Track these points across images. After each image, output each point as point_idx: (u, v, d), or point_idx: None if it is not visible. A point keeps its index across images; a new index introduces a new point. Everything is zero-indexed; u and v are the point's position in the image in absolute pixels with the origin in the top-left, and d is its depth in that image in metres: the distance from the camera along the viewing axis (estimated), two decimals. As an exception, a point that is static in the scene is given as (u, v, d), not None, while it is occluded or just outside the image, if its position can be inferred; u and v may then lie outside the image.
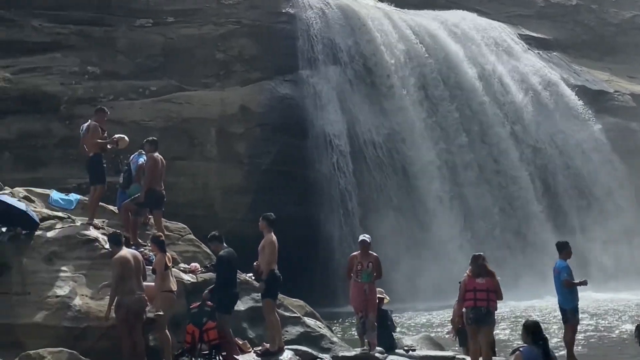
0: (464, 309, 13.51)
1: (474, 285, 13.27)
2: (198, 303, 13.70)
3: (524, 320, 10.58)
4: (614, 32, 40.84)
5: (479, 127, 33.04)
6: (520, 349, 9.91)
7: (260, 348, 13.89)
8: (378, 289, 14.92)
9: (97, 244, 14.71)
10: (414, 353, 15.00)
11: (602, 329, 20.70)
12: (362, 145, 30.62)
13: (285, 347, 13.82)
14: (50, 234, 14.79)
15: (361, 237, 14.80)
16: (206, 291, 13.84)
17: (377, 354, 14.19)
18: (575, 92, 35.69)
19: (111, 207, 16.57)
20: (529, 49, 37.30)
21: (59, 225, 15.19)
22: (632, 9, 41.80)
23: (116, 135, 15.98)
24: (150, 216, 15.90)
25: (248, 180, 28.68)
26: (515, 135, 33.48)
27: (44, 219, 15.27)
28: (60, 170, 26.76)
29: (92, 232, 14.99)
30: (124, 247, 13.30)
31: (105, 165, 15.95)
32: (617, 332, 20.28)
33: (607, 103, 36.76)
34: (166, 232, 15.36)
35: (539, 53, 37.45)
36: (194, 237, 16.44)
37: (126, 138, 16.17)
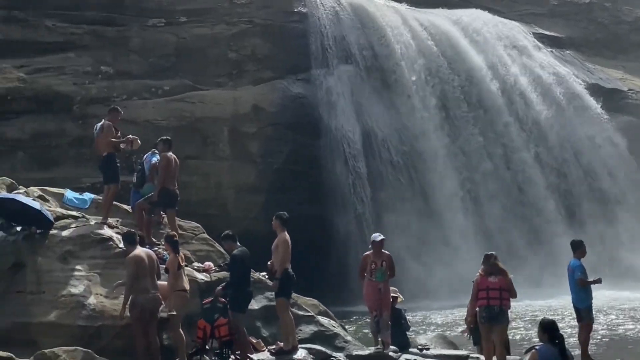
0: (477, 308, 13.47)
1: (486, 285, 13.24)
2: (210, 299, 13.76)
3: (539, 319, 10.53)
4: (627, 30, 40.65)
5: (502, 150, 32.37)
6: (536, 347, 9.88)
7: (274, 347, 13.89)
8: (392, 288, 14.92)
9: (111, 243, 14.74)
10: (428, 352, 14.98)
11: (618, 328, 20.59)
12: (374, 144, 30.57)
13: (299, 346, 13.82)
14: (64, 233, 14.83)
15: (374, 236, 14.79)
16: (219, 287, 13.89)
17: (391, 353, 14.18)
18: (588, 91, 35.50)
19: (125, 207, 16.61)
20: (550, 51, 36.94)
21: (73, 225, 15.22)
22: (646, 6, 41.64)
23: (130, 136, 16.01)
24: (164, 215, 15.92)
25: (261, 180, 28.71)
26: (539, 159, 32.65)
27: (59, 218, 15.33)
28: (74, 170, 26.87)
29: (107, 231, 15.02)
30: (139, 246, 13.32)
31: (119, 164, 15.99)
32: (633, 331, 20.17)
33: (621, 101, 36.57)
34: (180, 231, 15.40)
35: (552, 51, 37.29)
36: (208, 236, 16.46)
37: (138, 140, 16.20)
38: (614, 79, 37.64)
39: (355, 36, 32.55)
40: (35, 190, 16.69)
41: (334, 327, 15.20)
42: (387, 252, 14.75)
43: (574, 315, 15.05)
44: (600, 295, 20.29)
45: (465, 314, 14.92)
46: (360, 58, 32.13)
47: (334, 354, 13.99)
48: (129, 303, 12.82)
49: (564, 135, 33.85)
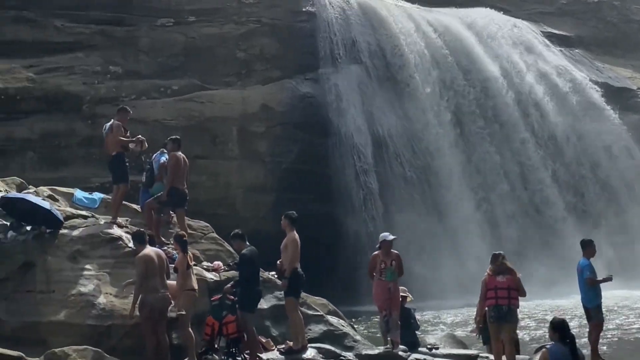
0: (485, 308, 13.44)
1: (494, 284, 13.21)
2: (219, 296, 13.79)
3: (550, 319, 10.49)
4: (636, 29, 40.50)
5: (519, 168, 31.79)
6: (547, 346, 9.83)
7: (283, 346, 13.89)
8: (401, 287, 14.91)
9: (120, 242, 14.76)
10: (437, 351, 14.95)
11: (630, 328, 20.50)
12: (383, 143, 30.54)
13: (309, 345, 13.81)
14: (74, 233, 14.86)
15: (385, 236, 14.77)
16: (228, 285, 13.91)
17: (400, 353, 14.16)
18: (598, 90, 35.36)
19: (134, 206, 16.64)
20: (559, 50, 36.71)
21: (83, 224, 15.26)
22: (655, 5, 41.48)
23: (140, 136, 16.02)
24: (173, 215, 15.93)
25: (269, 179, 28.73)
26: (556, 177, 32.04)
27: (68, 217, 15.37)
28: (83, 170, 26.94)
29: (116, 231, 15.04)
30: (148, 246, 13.33)
31: (127, 164, 16.00)
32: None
33: (630, 100, 36.44)
34: (189, 231, 15.41)
35: (561, 50, 37.19)
36: (217, 236, 16.46)
37: (145, 141, 16.20)
38: (623, 78, 37.52)
39: (364, 35, 32.52)
40: (45, 189, 16.75)
41: (343, 326, 15.18)
42: (395, 252, 14.74)
43: (585, 315, 14.98)
44: (612, 295, 20.24)
45: (475, 313, 14.89)
46: (368, 57, 32.11)
47: (344, 353, 13.97)
48: (138, 302, 12.83)
49: (581, 149, 33.28)
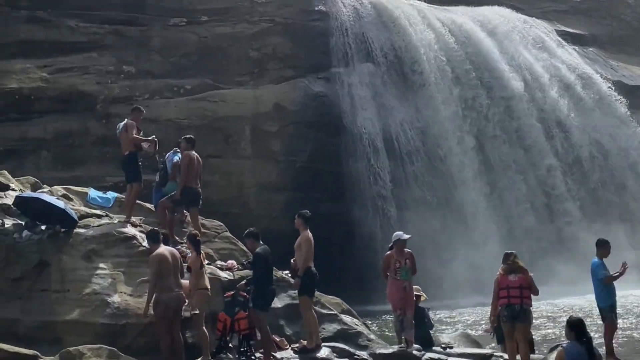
0: (499, 307, 13.41)
1: (506, 283, 13.16)
2: (232, 292, 13.82)
3: (565, 318, 10.44)
4: (650, 27, 40.34)
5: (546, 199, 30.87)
6: (563, 344, 9.79)
7: (297, 345, 13.89)
8: (415, 286, 14.90)
9: (134, 241, 14.78)
10: (451, 350, 14.92)
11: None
12: (396, 142, 30.50)
13: (323, 344, 13.80)
14: (88, 232, 14.89)
15: (399, 235, 14.74)
16: (242, 282, 13.92)
17: (414, 352, 14.14)
18: (611, 88, 35.16)
19: (148, 205, 16.67)
20: (573, 48, 36.41)
21: (97, 223, 15.30)
22: (669, 2, 41.25)
23: (153, 137, 16.04)
24: (186, 214, 15.96)
25: (283, 178, 28.75)
26: (584, 207, 31.02)
27: (82, 216, 15.40)
28: (97, 169, 27.05)
29: (130, 230, 15.06)
30: (162, 245, 13.36)
31: (140, 163, 16.02)
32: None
33: (644, 98, 36.26)
34: (203, 230, 15.45)
35: (574, 49, 37.04)
36: (230, 235, 16.47)
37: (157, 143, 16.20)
38: (637, 76, 37.38)
39: (377, 34, 32.49)
40: (59, 189, 16.80)
41: (357, 325, 15.17)
42: (408, 250, 14.72)
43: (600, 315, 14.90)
44: (628, 295, 20.09)
45: (489, 312, 14.85)
46: (381, 56, 32.06)
47: (357, 352, 13.95)
48: (152, 301, 12.85)
49: (608, 173, 32.50)
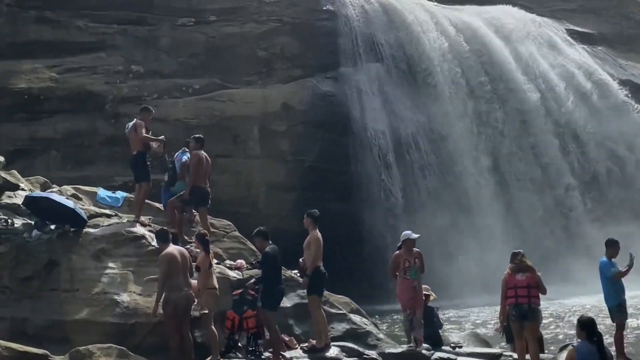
0: (507, 307, 13.38)
1: (514, 283, 13.13)
2: (240, 290, 13.83)
3: (574, 318, 10.41)
4: (660, 26, 40.15)
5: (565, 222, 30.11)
6: (574, 344, 9.75)
7: (306, 344, 13.88)
8: (424, 285, 14.88)
9: (144, 241, 14.80)
10: (461, 350, 14.89)
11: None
12: (404, 141, 30.47)
13: (332, 343, 13.79)
14: (97, 232, 14.92)
15: (408, 234, 14.73)
16: (250, 281, 13.93)
17: (423, 351, 14.12)
18: (620, 87, 34.98)
19: (157, 205, 16.69)
20: (582, 47, 36.13)
21: (106, 223, 15.33)
22: (678, 1, 41.05)
23: (162, 137, 16.06)
24: (195, 213, 15.97)
25: (291, 178, 28.76)
26: (604, 227, 29.15)
27: (92, 216, 15.45)
28: (106, 169, 27.11)
29: (139, 230, 15.08)
30: (171, 244, 13.37)
31: (149, 162, 16.03)
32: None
33: (654, 97, 36.04)
34: (212, 229, 15.46)
35: (583, 48, 36.92)
36: (239, 234, 16.50)
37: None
38: (646, 75, 37.18)
39: (385, 34, 32.45)
40: (69, 188, 16.85)
41: (366, 325, 15.16)
42: (417, 249, 14.71)
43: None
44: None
45: (499, 312, 14.81)
46: (389, 56, 32.01)
47: (367, 351, 13.94)
48: (162, 300, 12.86)
49: (625, 187, 31.69)
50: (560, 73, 33.93)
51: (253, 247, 15.50)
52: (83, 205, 15.98)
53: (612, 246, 14.49)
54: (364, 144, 29.80)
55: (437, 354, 14.22)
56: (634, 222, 29.90)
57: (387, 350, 14.22)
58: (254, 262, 15.28)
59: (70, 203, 15.10)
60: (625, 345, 14.61)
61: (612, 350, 12.91)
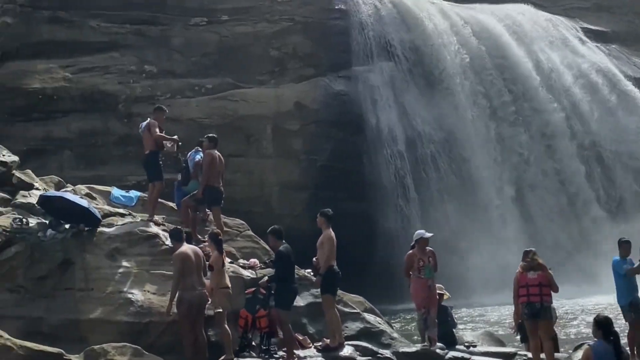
0: (519, 305, 13.33)
1: (526, 281, 13.09)
2: (253, 289, 13.83)
3: (587, 316, 10.37)
4: (674, 24, 39.88)
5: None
6: (590, 343, 9.71)
7: (320, 343, 13.85)
8: (438, 285, 14.84)
9: (157, 240, 14.82)
10: (475, 349, 14.83)
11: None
12: (417, 140, 30.42)
13: (346, 342, 13.78)
14: (112, 231, 14.94)
15: (421, 233, 14.69)
16: (263, 280, 13.92)
17: (438, 350, 14.08)
18: (634, 85, 34.76)
19: (170, 204, 16.75)
20: (595, 45, 35.89)
21: (120, 222, 15.35)
22: (693, -2, 40.75)
23: (175, 137, 16.08)
24: (209, 212, 15.99)
25: (304, 177, 28.78)
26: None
27: (106, 215, 15.48)
28: (119, 168, 27.21)
29: (153, 229, 15.11)
30: (185, 243, 13.38)
31: (161, 162, 16.05)
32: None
33: (668, 96, 35.79)
34: (225, 229, 15.46)
35: (597, 46, 36.75)
36: (253, 233, 16.52)
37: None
38: (660, 73, 36.92)
39: (397, 33, 32.42)
40: (83, 188, 16.89)
41: (380, 324, 15.12)
42: (430, 248, 14.67)
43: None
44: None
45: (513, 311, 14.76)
46: (401, 54, 31.96)
47: (381, 350, 13.89)
48: (176, 299, 12.88)
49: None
50: (584, 85, 33.19)
51: (266, 246, 15.51)
52: (97, 204, 16.02)
53: (625, 245, 14.47)
54: (377, 143, 29.78)
55: (451, 353, 14.16)
56: None
57: (401, 350, 14.17)
58: (267, 261, 15.28)
59: (84, 202, 15.14)
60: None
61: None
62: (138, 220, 15.58)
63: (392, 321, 19.32)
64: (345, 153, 29.10)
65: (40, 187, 16.56)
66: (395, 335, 15.06)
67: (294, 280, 13.81)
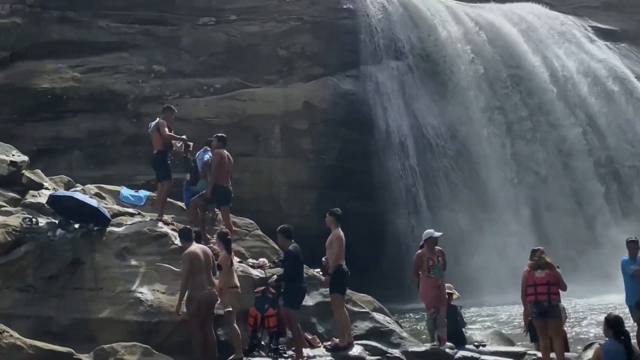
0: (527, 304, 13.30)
1: (533, 280, 13.05)
2: (262, 288, 13.83)
3: (596, 316, 10.34)
4: (683, 23, 39.71)
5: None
6: (601, 342, 9.68)
7: (329, 343, 13.84)
8: (447, 284, 14.83)
9: (167, 239, 14.84)
10: (484, 349, 14.81)
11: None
12: (426, 139, 30.39)
13: (355, 342, 13.77)
14: (121, 230, 14.96)
15: (431, 233, 14.67)
16: (272, 279, 13.93)
17: (447, 350, 14.07)
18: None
19: (179, 203, 16.76)
20: (604, 44, 35.71)
21: (129, 221, 15.37)
22: (702, -3, 40.58)
23: (184, 137, 16.10)
24: (218, 212, 16.00)
25: (313, 176, 28.78)
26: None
27: (115, 215, 15.49)
28: (128, 168, 27.27)
29: (162, 228, 15.12)
30: (194, 243, 13.40)
31: (169, 161, 16.07)
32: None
33: (676, 95, 35.61)
34: (234, 228, 15.48)
35: (606, 45, 36.64)
36: (262, 233, 16.54)
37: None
38: (669, 72, 36.76)
39: (405, 32, 32.40)
40: (92, 187, 16.93)
41: (389, 323, 15.11)
42: (439, 248, 14.66)
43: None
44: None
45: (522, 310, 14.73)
46: (410, 54, 31.93)
47: (390, 350, 13.88)
48: (185, 299, 12.89)
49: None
50: (599, 94, 32.71)
51: (275, 246, 15.52)
52: (106, 204, 16.05)
53: (631, 245, 14.44)
54: (385, 142, 29.78)
55: (461, 353, 14.15)
56: None
57: (410, 349, 14.16)
58: (276, 261, 15.29)
59: (93, 202, 15.16)
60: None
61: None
62: (147, 219, 15.59)
63: (401, 320, 19.29)
64: (353, 152, 29.10)
65: (49, 187, 16.61)
66: (404, 334, 15.04)
67: (302, 280, 13.81)
